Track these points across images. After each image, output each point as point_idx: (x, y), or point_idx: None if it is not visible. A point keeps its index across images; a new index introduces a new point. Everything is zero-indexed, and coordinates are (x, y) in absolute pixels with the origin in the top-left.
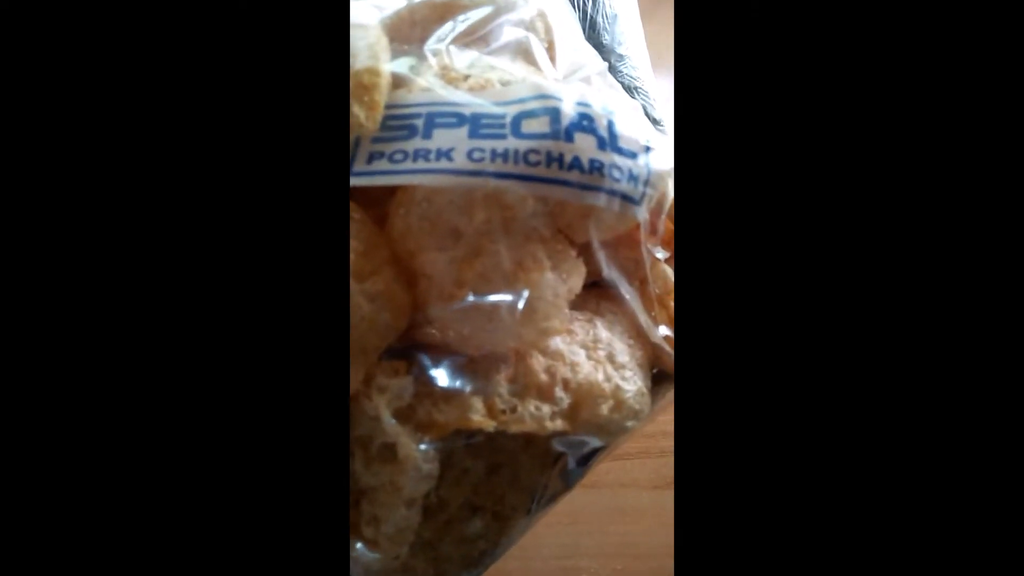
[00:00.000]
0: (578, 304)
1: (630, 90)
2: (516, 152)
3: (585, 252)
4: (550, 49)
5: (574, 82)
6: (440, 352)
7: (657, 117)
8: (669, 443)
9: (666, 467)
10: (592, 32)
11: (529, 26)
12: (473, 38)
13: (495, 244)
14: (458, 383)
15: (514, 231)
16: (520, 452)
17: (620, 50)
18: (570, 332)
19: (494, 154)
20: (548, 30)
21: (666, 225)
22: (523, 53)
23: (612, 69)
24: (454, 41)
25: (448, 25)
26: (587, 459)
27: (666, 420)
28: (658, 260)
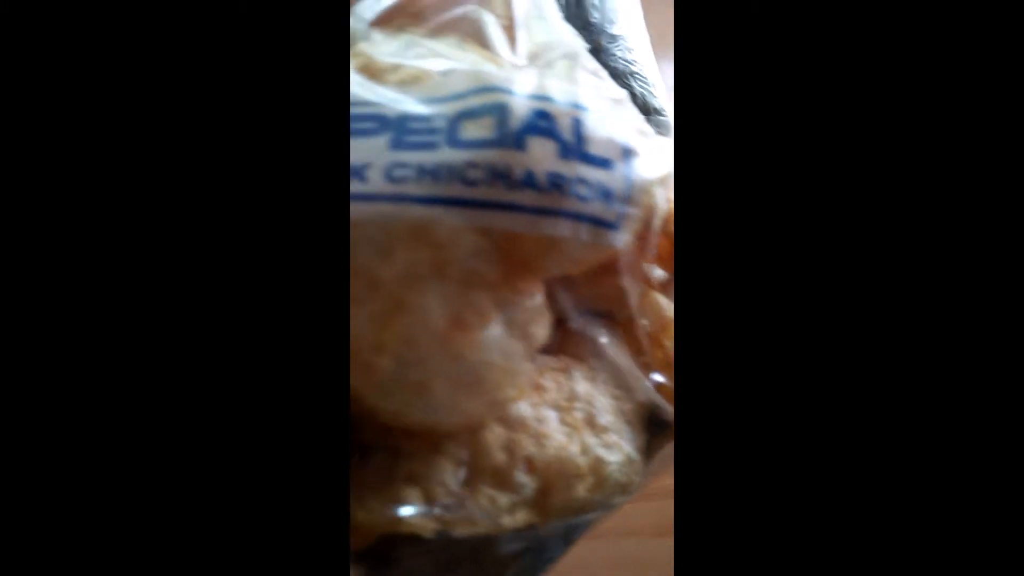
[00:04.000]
0: (552, 347)
1: (623, 75)
2: (450, 168)
3: (552, 283)
4: (509, 29)
5: (531, 69)
6: (364, 429)
7: (658, 106)
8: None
9: (671, 508)
10: (578, 8)
11: (484, 2)
12: (406, 16)
13: (422, 295)
14: (388, 469)
15: (449, 276)
16: (481, 549)
17: (612, 30)
18: (539, 389)
19: (421, 171)
20: (507, 4)
21: (661, 241)
22: (474, 34)
23: (602, 51)
24: (379, 21)
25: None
26: (568, 538)
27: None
28: (649, 290)
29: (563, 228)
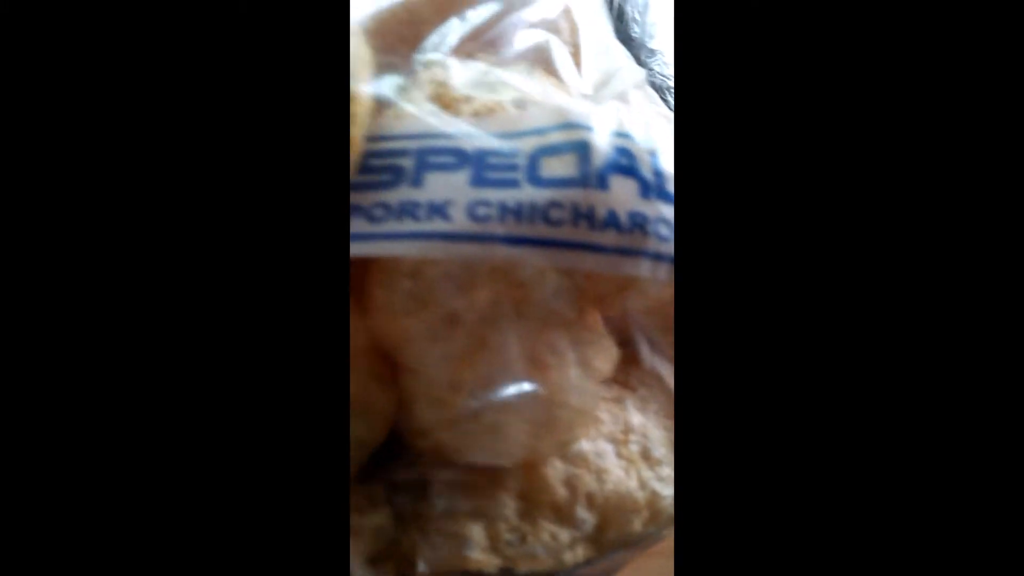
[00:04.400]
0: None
1: (661, 90)
2: (533, 206)
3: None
4: (575, 54)
5: (607, 101)
6: (429, 464)
7: None
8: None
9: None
10: (620, 24)
11: (551, 26)
12: (478, 44)
13: (503, 334)
14: (451, 504)
15: (529, 315)
16: None
17: (651, 44)
18: (595, 421)
19: (504, 210)
20: (574, 30)
21: None
22: (542, 61)
23: (642, 67)
24: (455, 50)
25: (448, 27)
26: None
27: None
28: None
29: (644, 268)
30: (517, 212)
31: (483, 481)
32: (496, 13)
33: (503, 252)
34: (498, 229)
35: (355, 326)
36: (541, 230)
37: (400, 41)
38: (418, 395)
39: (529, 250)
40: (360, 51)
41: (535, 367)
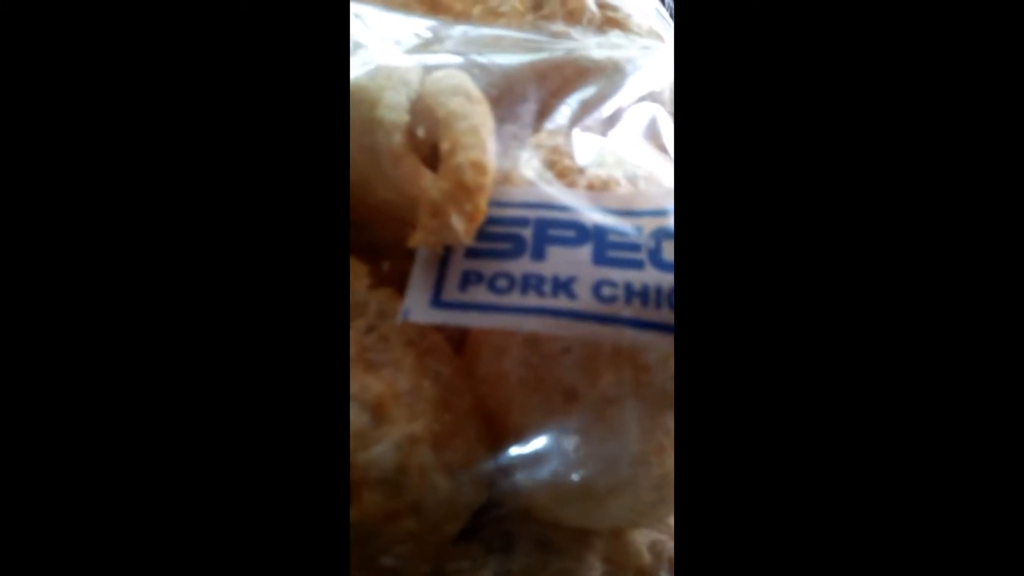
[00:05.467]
0: None
1: None
2: (659, 291)
3: None
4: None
5: None
6: (516, 520)
7: None
8: None
9: None
10: None
11: (657, 98)
12: (590, 116)
13: (622, 414)
14: (536, 562)
15: (648, 397)
16: None
17: None
18: None
19: (630, 291)
20: (672, 100)
21: None
22: (652, 136)
23: None
24: (573, 119)
25: (572, 96)
26: None
27: None
28: None
29: None
30: (643, 295)
31: (571, 542)
32: (606, 86)
33: (630, 335)
34: (625, 311)
35: (460, 386)
36: (668, 316)
37: (513, 109)
38: (523, 462)
39: (657, 335)
40: (487, 122)
41: (652, 449)
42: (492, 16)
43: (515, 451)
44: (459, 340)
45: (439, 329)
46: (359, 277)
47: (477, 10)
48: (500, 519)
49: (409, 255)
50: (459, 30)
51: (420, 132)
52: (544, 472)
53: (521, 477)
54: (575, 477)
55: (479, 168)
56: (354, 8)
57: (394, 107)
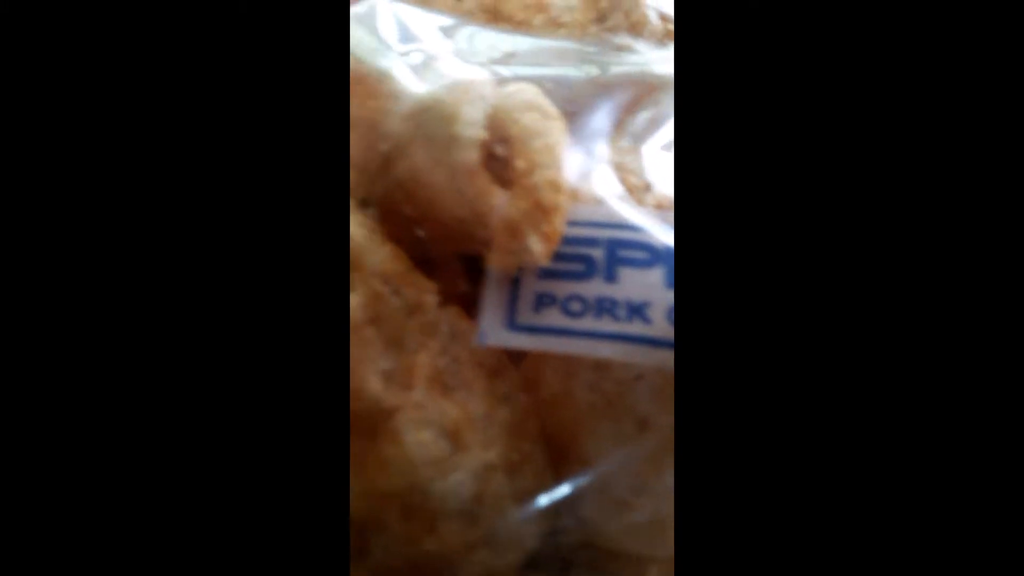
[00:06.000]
0: None
1: None
2: None
3: None
4: None
5: None
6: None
7: None
8: None
9: None
10: None
11: None
12: (659, 135)
13: None
14: None
15: None
16: None
17: None
18: None
19: None
20: None
21: None
22: None
23: None
24: (639, 136)
25: (639, 112)
26: None
27: None
28: None
29: None
30: None
31: (627, 569)
32: (671, 103)
33: None
34: None
35: (529, 410)
36: None
37: (586, 121)
38: (590, 490)
39: None
40: (563, 139)
41: None
42: (554, 26)
43: (584, 479)
44: (519, 359)
45: (504, 349)
46: (426, 293)
47: (539, 19)
48: (559, 546)
49: (467, 271)
50: (527, 42)
51: (499, 150)
52: (611, 501)
53: (588, 505)
54: (644, 507)
55: (556, 187)
56: (415, 18)
57: (472, 123)
